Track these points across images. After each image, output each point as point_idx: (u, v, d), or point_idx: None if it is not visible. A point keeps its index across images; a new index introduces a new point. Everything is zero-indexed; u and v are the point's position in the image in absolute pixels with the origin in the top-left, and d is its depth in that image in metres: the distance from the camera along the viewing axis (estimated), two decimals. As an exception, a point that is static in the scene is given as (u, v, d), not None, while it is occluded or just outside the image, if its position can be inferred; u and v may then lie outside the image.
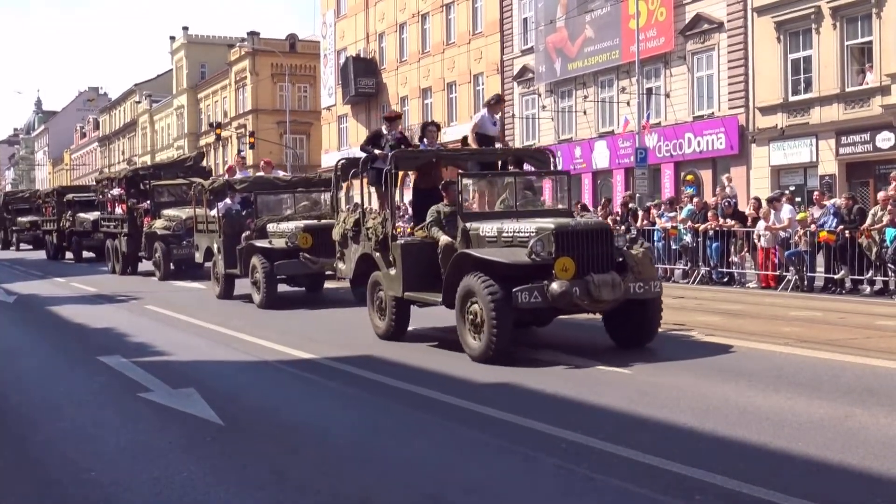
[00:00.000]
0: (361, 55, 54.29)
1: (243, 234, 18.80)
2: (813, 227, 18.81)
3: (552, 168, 14.00)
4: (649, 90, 34.78)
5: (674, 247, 21.96)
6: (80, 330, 15.48)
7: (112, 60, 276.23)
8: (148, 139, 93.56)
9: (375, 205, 14.54)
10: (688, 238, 21.34)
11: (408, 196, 15.43)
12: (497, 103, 14.34)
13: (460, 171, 12.96)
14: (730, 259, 20.56)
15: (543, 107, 40.56)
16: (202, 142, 74.46)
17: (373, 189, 13.88)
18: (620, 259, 10.79)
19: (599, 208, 26.20)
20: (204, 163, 34.50)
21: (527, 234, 10.66)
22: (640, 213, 24.18)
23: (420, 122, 48.10)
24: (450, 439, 7.56)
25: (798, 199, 25.59)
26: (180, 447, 7.41)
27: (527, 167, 13.68)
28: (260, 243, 18.17)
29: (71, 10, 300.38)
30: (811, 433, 7.20)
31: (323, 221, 17.91)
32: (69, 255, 37.62)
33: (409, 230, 12.69)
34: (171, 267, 25.51)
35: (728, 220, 20.74)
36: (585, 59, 37.97)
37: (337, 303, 17.88)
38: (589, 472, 6.43)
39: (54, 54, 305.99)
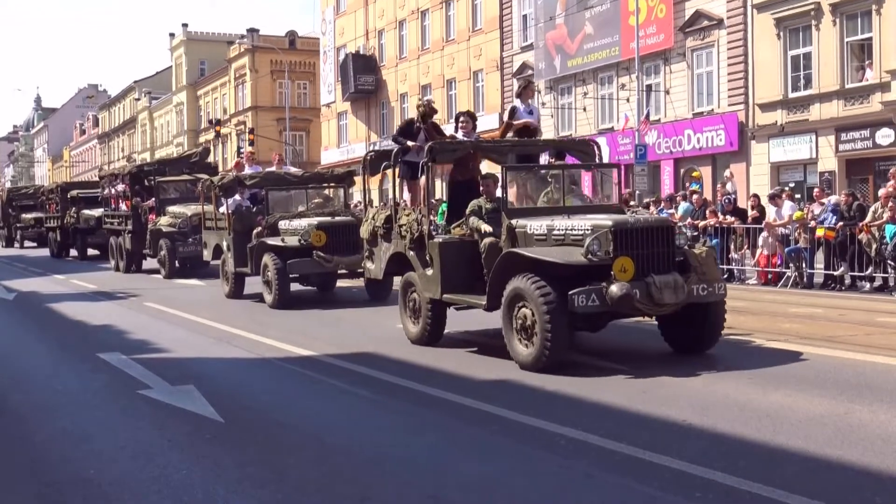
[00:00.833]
0: (361, 52, 54.29)
1: (254, 232, 18.34)
2: (812, 223, 18.80)
3: (598, 160, 12.98)
4: (649, 87, 34.78)
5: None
6: (80, 327, 15.46)
7: (112, 57, 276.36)
8: (147, 136, 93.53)
9: (390, 200, 14.29)
10: (686, 234, 21.26)
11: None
12: (526, 89, 13.50)
13: (504, 164, 12.16)
14: (729, 256, 20.56)
15: (543, 104, 40.47)
16: (202, 139, 74.40)
17: (400, 183, 13.21)
18: (681, 259, 10.05)
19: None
20: (210, 158, 33.82)
21: (581, 232, 9.89)
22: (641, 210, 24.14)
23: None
24: (450, 437, 7.56)
25: (798, 196, 25.58)
26: (180, 445, 7.41)
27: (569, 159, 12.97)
28: (272, 241, 17.63)
29: (70, 8, 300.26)
30: (811, 430, 7.19)
31: (337, 219, 17.69)
32: (73, 252, 37.14)
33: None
34: (177, 265, 25.14)
35: (728, 217, 20.73)
36: (585, 56, 37.96)
37: (348, 302, 17.63)
38: (588, 470, 6.42)
39: (54, 51, 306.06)
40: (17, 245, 47.28)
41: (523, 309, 9.83)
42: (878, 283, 17.56)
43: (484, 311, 11.04)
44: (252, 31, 70.72)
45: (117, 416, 8.57)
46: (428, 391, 9.18)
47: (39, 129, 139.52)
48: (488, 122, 42.57)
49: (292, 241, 17.24)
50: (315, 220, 17.47)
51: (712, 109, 32.99)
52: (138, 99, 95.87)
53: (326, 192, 20.24)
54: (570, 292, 9.40)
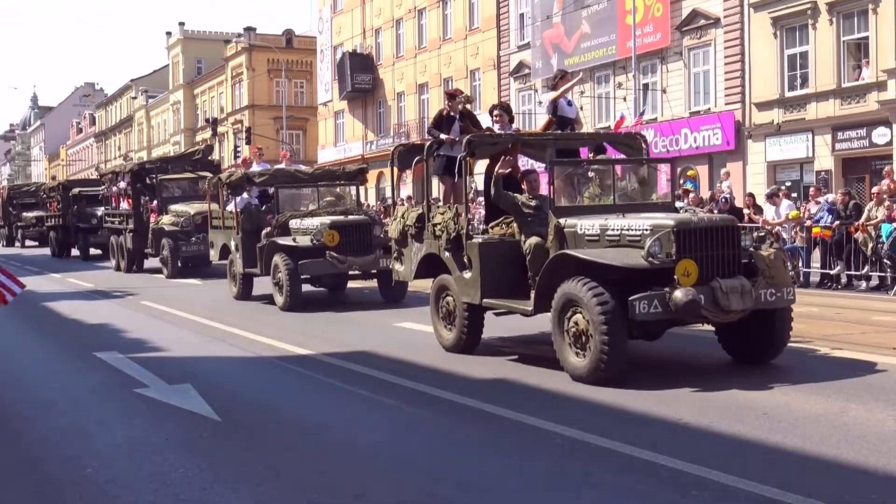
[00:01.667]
0: (358, 51, 54.28)
1: (263, 231, 17.75)
2: (809, 222, 18.82)
3: (646, 154, 12.01)
4: (646, 86, 34.79)
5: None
6: (76, 326, 15.47)
7: (108, 56, 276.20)
8: (144, 135, 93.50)
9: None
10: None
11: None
12: (563, 80, 12.58)
13: (543, 159, 11.71)
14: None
15: (539, 102, 40.47)
16: (198, 137, 74.43)
17: (428, 180, 12.45)
18: (746, 261, 9.31)
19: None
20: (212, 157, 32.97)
21: (639, 233, 9.15)
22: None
23: (417, 117, 48.22)
24: (445, 435, 7.57)
25: (794, 195, 25.62)
26: (177, 443, 7.41)
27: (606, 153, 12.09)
28: (283, 241, 16.93)
29: (67, 6, 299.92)
30: (807, 428, 7.20)
31: (350, 217, 17.22)
32: (75, 251, 36.53)
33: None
34: (179, 264, 24.77)
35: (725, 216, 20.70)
36: (582, 55, 37.96)
37: (360, 304, 17.21)
38: (584, 468, 6.44)
39: (51, 50, 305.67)
40: (17, 244, 46.38)
41: (576, 315, 9.10)
42: (874, 282, 17.58)
43: (527, 316, 10.59)
44: (249, 29, 70.70)
45: (114, 415, 8.57)
46: (424, 389, 9.18)
47: (36, 127, 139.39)
48: (485, 122, 42.61)
49: (304, 240, 16.60)
50: (328, 220, 16.93)
51: (709, 108, 33.01)
52: (135, 97, 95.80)
53: (338, 189, 19.64)
54: (630, 298, 8.66)
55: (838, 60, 28.04)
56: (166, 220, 25.33)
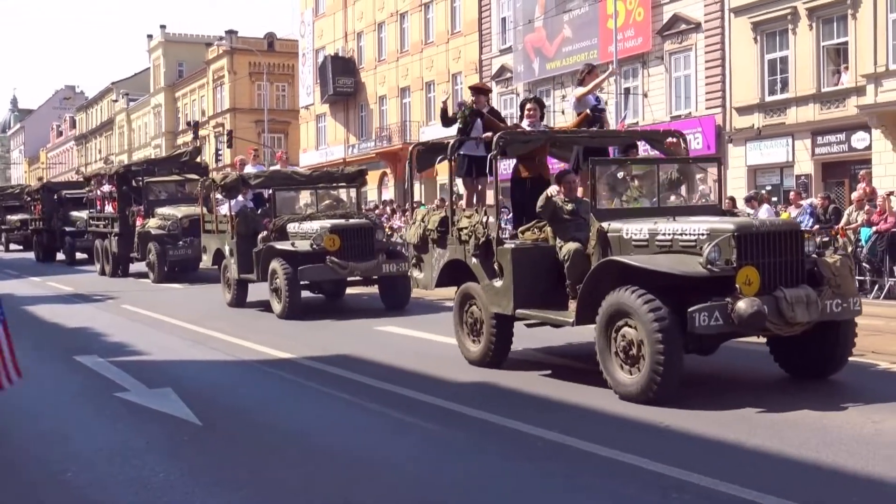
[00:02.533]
0: (340, 54, 54.21)
1: (260, 235, 17.12)
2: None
3: (683, 154, 11.27)
4: (627, 90, 34.87)
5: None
6: (56, 329, 15.39)
7: (89, 59, 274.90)
8: (125, 138, 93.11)
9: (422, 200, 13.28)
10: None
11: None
12: (591, 74, 11.88)
13: (577, 158, 10.93)
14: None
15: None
16: (180, 140, 74.13)
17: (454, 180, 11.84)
18: (809, 268, 8.63)
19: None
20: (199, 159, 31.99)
21: (693, 238, 8.50)
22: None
23: (399, 121, 48.22)
24: (430, 439, 7.57)
25: (774, 199, 25.73)
26: (158, 447, 7.39)
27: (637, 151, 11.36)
28: (281, 245, 16.30)
29: (48, 8, 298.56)
30: (787, 431, 7.24)
31: (352, 221, 16.57)
32: (60, 255, 35.51)
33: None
34: (166, 269, 24.29)
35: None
36: (563, 59, 38.02)
37: (359, 312, 16.50)
38: (567, 471, 6.46)
39: (31, 52, 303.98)
40: (1, 248, 44.90)
41: (626, 328, 8.38)
42: (853, 285, 17.65)
43: (556, 327, 10.17)
44: (230, 32, 70.49)
45: (94, 419, 8.54)
46: (406, 393, 9.17)
47: (16, 130, 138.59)
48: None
49: (303, 245, 15.98)
50: (328, 223, 16.27)
51: (690, 113, 33.11)
52: (116, 100, 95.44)
53: (336, 192, 19.00)
54: (689, 310, 7.97)
55: (818, 65, 28.18)
56: (153, 223, 24.93)
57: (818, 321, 8.43)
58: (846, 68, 27.46)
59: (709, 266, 8.13)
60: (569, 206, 9.95)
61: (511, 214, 10.82)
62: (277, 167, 20.33)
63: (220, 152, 61.01)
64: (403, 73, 48.60)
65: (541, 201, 9.82)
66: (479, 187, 11.79)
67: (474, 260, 10.47)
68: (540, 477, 6.36)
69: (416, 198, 42.92)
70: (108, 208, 28.20)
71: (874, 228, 17.28)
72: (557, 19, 37.91)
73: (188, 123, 62.25)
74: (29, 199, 40.36)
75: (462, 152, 11.34)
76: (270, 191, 18.17)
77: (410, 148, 12.00)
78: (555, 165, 12.33)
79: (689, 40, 33.02)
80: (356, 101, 53.34)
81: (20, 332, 15.24)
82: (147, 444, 7.45)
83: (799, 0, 28.20)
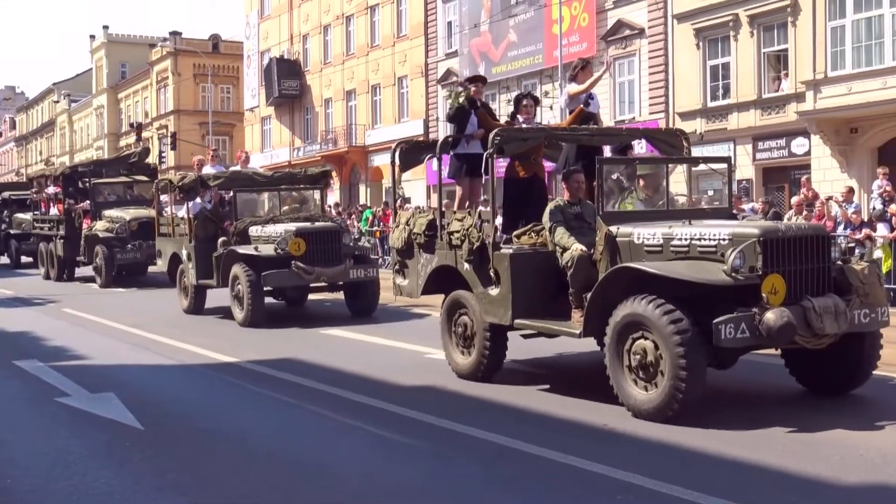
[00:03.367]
0: (285, 56, 53.97)
1: (220, 239, 16.34)
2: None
3: (685, 153, 10.74)
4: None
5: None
6: (-5, 334, 15.15)
7: (30, 59, 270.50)
8: (67, 139, 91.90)
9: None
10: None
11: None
12: (584, 70, 11.22)
13: (598, 157, 9.58)
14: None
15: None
16: (122, 142, 73.35)
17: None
18: (834, 276, 8.07)
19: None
20: (150, 159, 31.37)
21: (714, 243, 7.91)
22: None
23: (344, 124, 48.12)
24: (372, 442, 7.56)
25: (716, 203, 25.99)
26: (99, 453, 7.31)
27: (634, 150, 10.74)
28: (243, 250, 15.54)
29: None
30: (730, 434, 7.32)
31: (318, 224, 15.92)
32: (4, 259, 34.54)
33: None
34: (114, 273, 23.69)
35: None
36: (509, 64, 38.20)
37: (323, 319, 15.66)
38: (513, 475, 6.49)
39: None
40: None
41: (641, 341, 7.80)
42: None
43: (552, 338, 9.69)
44: (175, 34, 69.91)
45: (34, 424, 8.42)
46: (350, 397, 9.16)
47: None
48: (412, 129, 42.70)
49: (267, 249, 15.22)
50: (293, 227, 15.55)
51: (633, 117, 33.41)
52: (57, 101, 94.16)
53: (295, 193, 18.18)
54: (715, 321, 7.37)
55: (759, 72, 28.60)
56: (100, 226, 24.34)
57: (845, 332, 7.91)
58: (786, 75, 27.89)
59: (733, 274, 7.54)
60: (572, 209, 9.34)
61: (501, 217, 10.19)
62: (237, 168, 19.58)
63: (163, 154, 60.37)
64: (349, 76, 48.50)
65: (550, 214, 9.22)
66: (473, 188, 11.17)
67: (467, 266, 9.78)
68: (484, 481, 6.39)
69: (362, 200, 42.92)
70: (54, 210, 27.62)
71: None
72: (503, 24, 38.08)
73: (131, 125, 61.57)
74: None
75: (457, 151, 10.79)
76: (231, 193, 17.28)
77: (394, 146, 11.39)
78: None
79: (633, 46, 33.33)
80: (301, 103, 53.14)
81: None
82: (88, 450, 7.37)
83: (741, 7, 28.60)
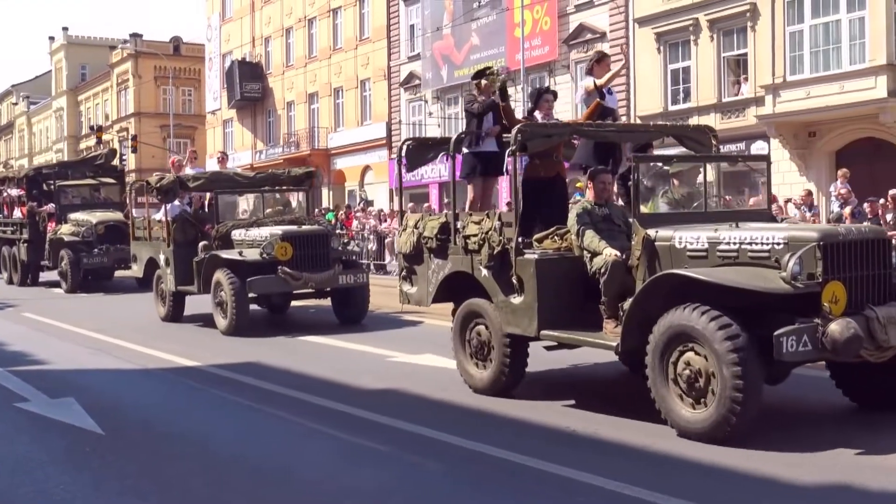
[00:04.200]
0: (247, 59, 53.73)
1: (201, 244, 15.58)
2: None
3: (715, 151, 10.04)
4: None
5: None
6: (-47, 339, 14.96)
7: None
8: (25, 142, 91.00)
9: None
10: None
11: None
12: (601, 62, 10.51)
13: (629, 155, 9.36)
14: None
15: (430, 113, 40.70)
16: (82, 145, 72.78)
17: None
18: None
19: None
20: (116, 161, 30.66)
21: (767, 247, 7.27)
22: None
23: (307, 127, 47.98)
24: (336, 446, 7.55)
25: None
26: (59, 459, 7.25)
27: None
28: (227, 254, 14.76)
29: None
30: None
31: (304, 228, 15.38)
32: None
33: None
34: (80, 277, 23.25)
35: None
36: (472, 67, 38.09)
37: (308, 328, 14.93)
38: (475, 478, 6.50)
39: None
40: None
41: (689, 354, 7.17)
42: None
43: (570, 345, 8.90)
44: (135, 35, 69.43)
45: (-7, 430, 8.35)
46: (313, 400, 9.15)
47: None
48: (375, 132, 42.67)
49: (252, 254, 14.56)
50: (279, 230, 14.83)
51: (596, 121, 33.60)
52: (16, 103, 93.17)
53: (278, 195, 17.62)
54: (776, 333, 6.72)
55: (719, 76, 28.86)
56: (65, 229, 23.89)
57: None
58: (746, 79, 28.16)
59: (792, 281, 6.92)
60: (600, 211, 8.72)
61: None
62: (217, 168, 19.05)
63: (124, 157, 59.87)
64: (311, 79, 48.37)
65: (578, 217, 8.59)
66: (486, 189, 10.55)
67: (485, 272, 9.05)
68: (450, 484, 6.41)
69: (325, 203, 42.81)
70: (17, 213, 27.08)
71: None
72: (465, 27, 38.15)
73: (91, 128, 61.11)
74: None
75: (467, 149, 10.16)
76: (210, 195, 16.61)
77: (400, 143, 10.78)
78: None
79: (594, 49, 33.52)
80: (264, 106, 52.92)
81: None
82: (48, 456, 7.31)
83: (701, 12, 28.84)
